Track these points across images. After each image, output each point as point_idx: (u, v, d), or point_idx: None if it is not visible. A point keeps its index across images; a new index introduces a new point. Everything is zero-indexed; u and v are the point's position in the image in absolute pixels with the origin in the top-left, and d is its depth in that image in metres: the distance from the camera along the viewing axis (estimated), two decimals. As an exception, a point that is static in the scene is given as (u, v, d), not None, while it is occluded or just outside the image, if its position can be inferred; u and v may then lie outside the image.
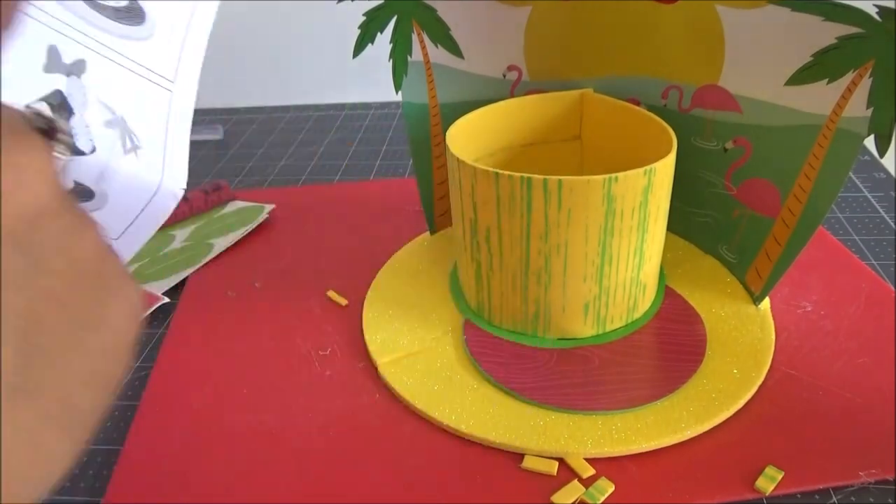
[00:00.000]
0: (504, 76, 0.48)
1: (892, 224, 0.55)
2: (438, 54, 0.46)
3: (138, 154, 0.40)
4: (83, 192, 0.39)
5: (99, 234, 0.20)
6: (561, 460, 0.36)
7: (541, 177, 0.37)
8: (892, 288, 0.47)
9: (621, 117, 0.45)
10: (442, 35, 0.46)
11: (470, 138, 0.45)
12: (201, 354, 0.45)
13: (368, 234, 0.57)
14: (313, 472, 0.36)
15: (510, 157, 0.48)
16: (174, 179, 0.41)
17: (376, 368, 0.42)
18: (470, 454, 0.37)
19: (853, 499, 0.34)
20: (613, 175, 0.37)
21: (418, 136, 0.49)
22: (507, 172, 0.38)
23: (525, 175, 0.37)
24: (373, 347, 0.43)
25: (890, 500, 0.33)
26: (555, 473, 0.35)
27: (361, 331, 0.45)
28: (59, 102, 0.36)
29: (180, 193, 0.41)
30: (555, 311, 0.42)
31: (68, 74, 0.36)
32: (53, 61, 0.35)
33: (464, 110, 0.45)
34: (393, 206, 0.60)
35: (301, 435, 0.38)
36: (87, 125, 0.37)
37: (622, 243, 0.39)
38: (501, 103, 0.47)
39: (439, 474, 0.36)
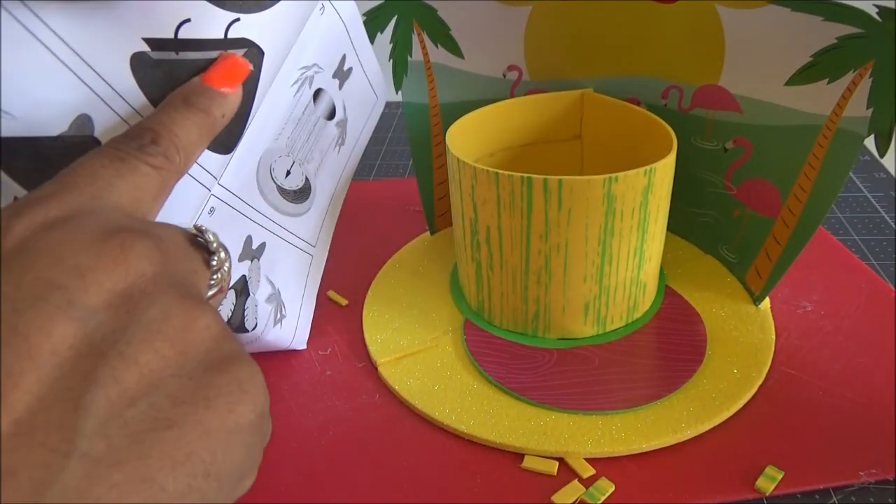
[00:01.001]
0: (504, 76, 0.48)
1: (892, 224, 0.55)
2: (438, 54, 0.46)
3: (283, 324, 0.41)
4: None
5: (213, 319, 0.20)
6: (561, 460, 0.36)
7: (541, 177, 0.37)
8: (892, 288, 0.47)
9: (621, 117, 0.45)
10: (442, 35, 0.46)
11: (470, 138, 0.45)
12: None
13: (368, 234, 0.57)
14: (313, 472, 0.36)
15: (510, 157, 0.48)
16: (299, 341, 0.44)
17: (376, 368, 0.42)
18: (470, 454, 0.37)
19: (853, 499, 0.34)
20: (613, 175, 0.37)
21: (418, 136, 0.49)
22: (507, 172, 0.38)
23: (525, 175, 0.37)
24: (373, 347, 0.43)
25: (890, 500, 0.33)
26: (555, 473, 0.35)
27: (361, 331, 0.45)
28: (242, 287, 0.36)
29: (300, 349, 0.44)
30: (555, 311, 0.42)
31: (252, 259, 0.36)
32: (246, 250, 0.36)
33: (464, 110, 0.45)
34: (393, 206, 0.60)
35: (301, 435, 0.38)
36: (256, 304, 0.37)
37: (622, 243, 0.39)
38: (501, 103, 0.47)
39: (439, 474, 0.36)
